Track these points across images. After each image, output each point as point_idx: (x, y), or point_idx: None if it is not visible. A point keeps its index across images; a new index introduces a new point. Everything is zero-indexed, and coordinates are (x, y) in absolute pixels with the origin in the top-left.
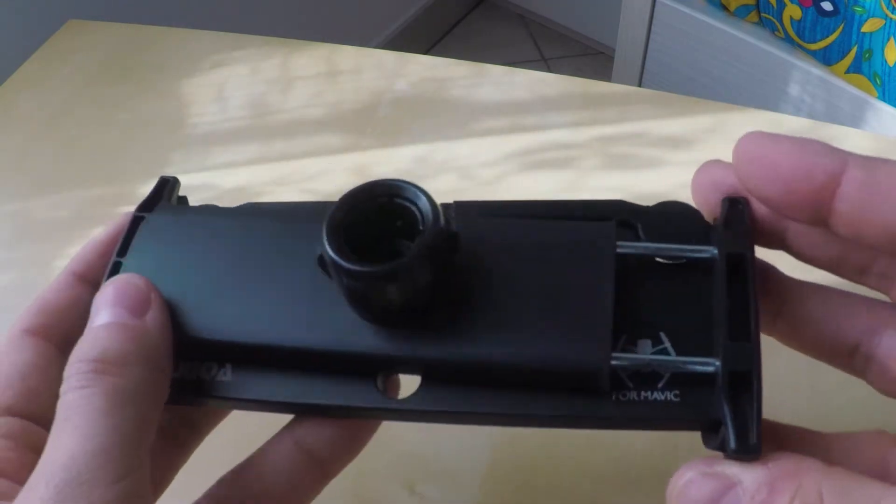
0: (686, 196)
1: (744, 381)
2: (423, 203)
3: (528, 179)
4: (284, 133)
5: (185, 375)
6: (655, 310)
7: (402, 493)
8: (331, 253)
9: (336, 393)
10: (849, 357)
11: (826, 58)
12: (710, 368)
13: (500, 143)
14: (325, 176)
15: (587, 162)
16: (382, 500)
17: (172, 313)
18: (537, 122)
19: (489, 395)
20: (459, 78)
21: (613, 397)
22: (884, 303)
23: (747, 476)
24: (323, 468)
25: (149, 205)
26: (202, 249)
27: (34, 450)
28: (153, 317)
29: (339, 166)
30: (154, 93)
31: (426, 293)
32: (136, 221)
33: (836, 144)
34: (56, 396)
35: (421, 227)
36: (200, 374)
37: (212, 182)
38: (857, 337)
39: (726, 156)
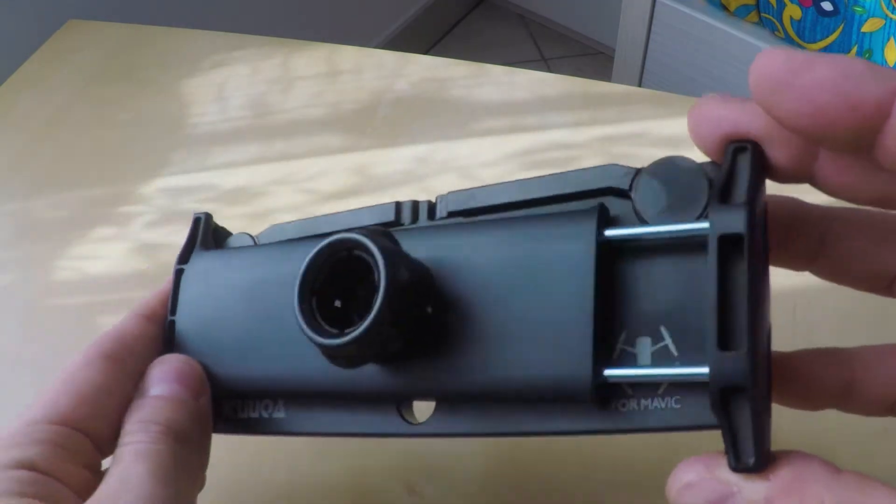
0: None
1: (739, 392)
2: (378, 259)
3: None
4: (284, 133)
5: (246, 414)
6: (654, 298)
7: (402, 493)
8: (301, 324)
9: (368, 423)
10: (889, 286)
11: None
12: (705, 376)
13: (500, 143)
14: (326, 176)
15: (588, 162)
16: (382, 499)
17: (226, 364)
18: (537, 122)
19: (495, 413)
20: (459, 78)
21: (613, 406)
22: None
23: (747, 486)
24: None
25: (185, 255)
26: (237, 297)
27: (89, 468)
28: (205, 402)
29: (340, 166)
30: (154, 93)
31: (401, 340)
32: (178, 275)
33: None
34: (115, 421)
35: (377, 286)
36: (260, 413)
37: (212, 182)
38: None
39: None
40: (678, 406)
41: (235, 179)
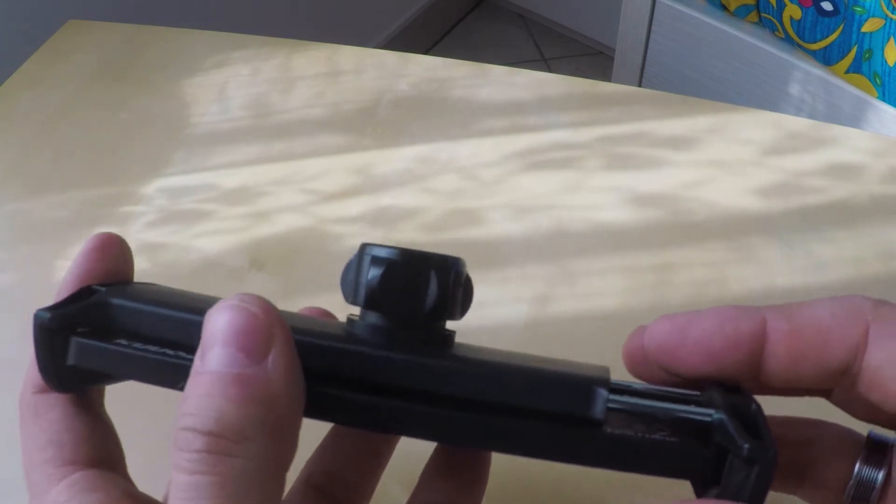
0: (688, 195)
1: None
2: None
3: (530, 180)
4: (285, 133)
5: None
6: None
7: (402, 493)
8: None
9: None
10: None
11: (826, 58)
12: (708, 418)
13: (500, 143)
14: (326, 176)
15: (588, 162)
16: (382, 499)
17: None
18: (538, 123)
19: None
20: (460, 78)
21: (608, 429)
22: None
23: None
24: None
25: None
26: None
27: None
28: (276, 359)
29: (340, 166)
30: (154, 93)
31: None
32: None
33: (836, 144)
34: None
35: None
36: None
37: (212, 182)
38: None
39: (726, 156)
40: (675, 440)
41: (236, 179)
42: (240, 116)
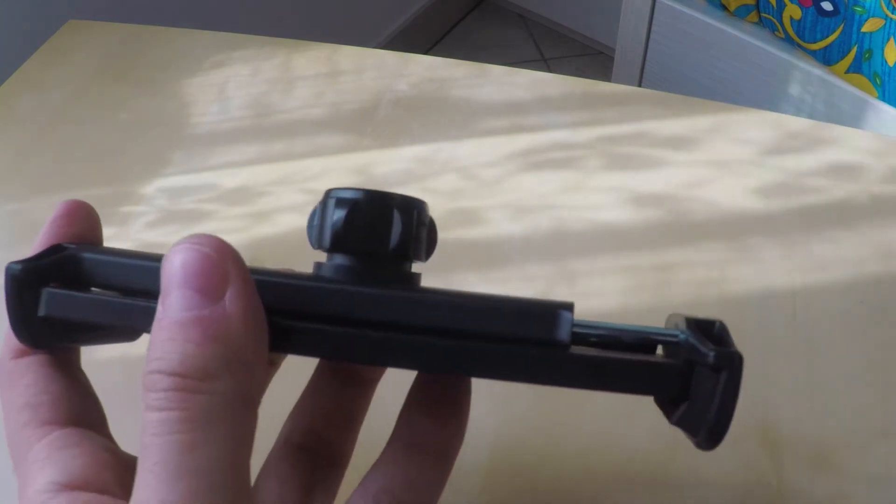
0: (688, 195)
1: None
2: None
3: (530, 179)
4: (285, 133)
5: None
6: None
7: None
8: None
9: None
10: None
11: (826, 58)
12: (674, 338)
13: (501, 143)
14: (326, 176)
15: (588, 162)
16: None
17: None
18: (538, 123)
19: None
20: (460, 78)
21: (574, 350)
22: None
23: None
24: None
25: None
26: None
27: (107, 451)
28: (234, 297)
29: (340, 166)
30: (154, 93)
31: None
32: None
33: (835, 144)
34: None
35: None
36: None
37: (212, 182)
38: None
39: (726, 156)
40: (642, 359)
41: (236, 179)
42: (240, 116)
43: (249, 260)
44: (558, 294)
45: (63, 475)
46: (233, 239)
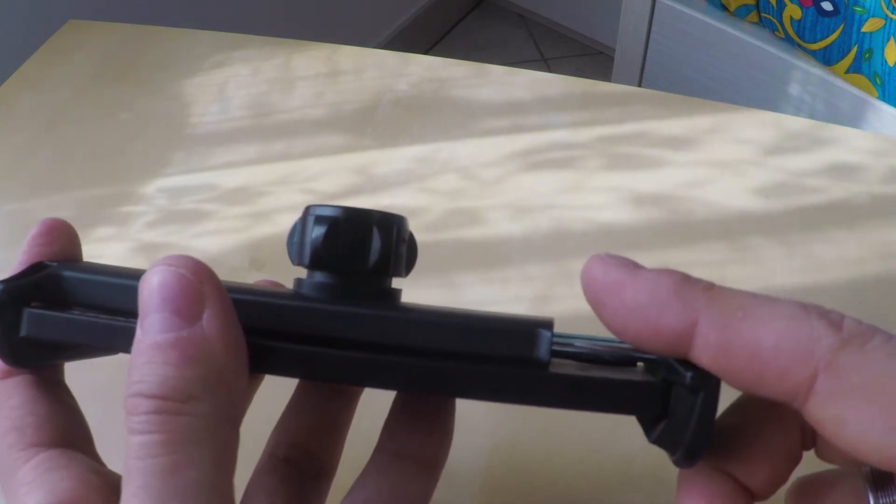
0: (688, 195)
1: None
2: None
3: (530, 179)
4: (285, 133)
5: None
6: None
7: None
8: None
9: None
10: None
11: (826, 58)
12: (653, 356)
13: (500, 143)
14: (326, 176)
15: (588, 162)
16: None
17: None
18: (538, 123)
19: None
20: (460, 78)
21: (553, 369)
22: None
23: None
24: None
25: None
26: None
27: (95, 473)
28: (211, 318)
29: (340, 166)
30: (154, 93)
31: None
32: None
33: (835, 144)
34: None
35: None
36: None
37: (212, 182)
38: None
39: (726, 156)
40: (622, 377)
41: (236, 179)
42: (240, 116)
43: (249, 260)
44: (558, 294)
45: (51, 497)
46: (233, 239)
